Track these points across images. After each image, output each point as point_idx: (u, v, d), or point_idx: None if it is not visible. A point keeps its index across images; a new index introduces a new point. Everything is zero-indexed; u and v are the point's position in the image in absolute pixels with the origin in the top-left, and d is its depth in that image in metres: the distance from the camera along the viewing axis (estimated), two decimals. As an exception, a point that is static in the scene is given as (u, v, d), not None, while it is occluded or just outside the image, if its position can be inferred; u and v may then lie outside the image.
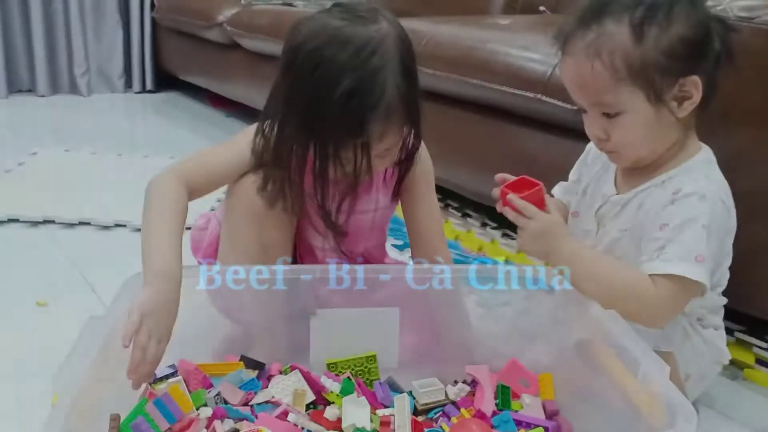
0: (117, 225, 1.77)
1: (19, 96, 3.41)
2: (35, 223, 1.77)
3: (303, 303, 1.04)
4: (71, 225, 1.77)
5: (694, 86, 0.93)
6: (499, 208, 1.03)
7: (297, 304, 1.04)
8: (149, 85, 3.68)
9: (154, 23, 3.57)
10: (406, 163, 1.08)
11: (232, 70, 2.89)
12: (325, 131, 0.94)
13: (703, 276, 0.92)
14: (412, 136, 1.04)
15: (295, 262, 1.15)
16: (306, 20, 0.97)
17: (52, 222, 1.77)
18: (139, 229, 1.55)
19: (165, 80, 3.67)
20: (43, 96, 3.40)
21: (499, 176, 1.05)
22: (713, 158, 1.01)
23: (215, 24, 2.86)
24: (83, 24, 3.48)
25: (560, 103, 1.48)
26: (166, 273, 0.90)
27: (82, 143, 2.60)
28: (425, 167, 1.13)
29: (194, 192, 1.02)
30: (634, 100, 0.93)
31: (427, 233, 1.15)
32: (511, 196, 1.00)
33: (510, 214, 1.01)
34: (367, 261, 1.18)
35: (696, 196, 0.94)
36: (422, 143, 1.11)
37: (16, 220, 1.77)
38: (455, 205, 2.03)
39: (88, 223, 1.78)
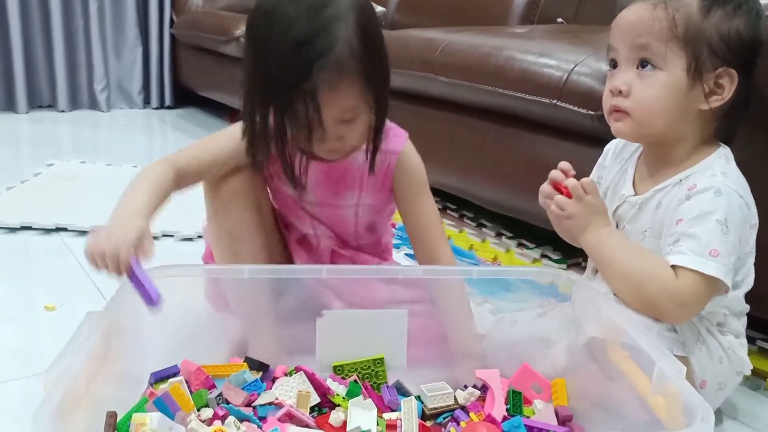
0: (129, 233, 1.76)
1: (40, 111, 3.45)
2: (47, 231, 1.77)
3: (308, 303, 1.02)
4: (83, 233, 1.77)
5: (729, 80, 0.95)
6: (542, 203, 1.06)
7: (301, 304, 1.03)
8: (168, 101, 3.71)
9: (173, 39, 3.61)
10: (374, 142, 1.05)
11: (249, 84, 2.90)
12: (276, 82, 0.94)
13: (717, 271, 0.90)
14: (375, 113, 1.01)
15: (285, 254, 1.17)
16: None
17: (65, 229, 1.77)
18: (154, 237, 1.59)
19: (184, 96, 3.69)
20: (63, 111, 3.44)
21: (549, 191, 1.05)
22: (730, 155, 1.00)
23: (233, 38, 2.88)
24: (103, 40, 3.52)
25: (576, 109, 1.46)
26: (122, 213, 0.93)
27: (99, 156, 2.62)
28: (414, 173, 1.12)
29: (183, 178, 1.03)
30: (675, 62, 0.94)
31: (424, 235, 1.14)
32: (569, 180, 1.01)
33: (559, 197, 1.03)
34: (353, 260, 1.17)
35: (711, 191, 0.93)
36: (412, 147, 1.12)
37: (29, 228, 1.77)
38: (470, 215, 2.01)
39: (101, 231, 1.77)
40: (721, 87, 0.95)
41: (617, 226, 1.06)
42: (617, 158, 1.12)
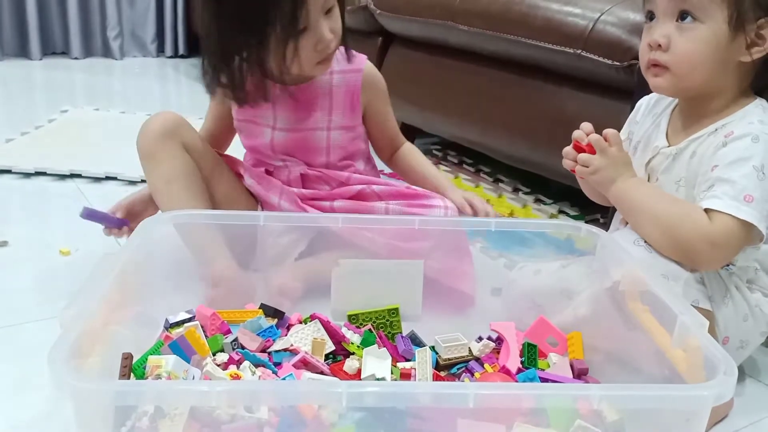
0: (143, 180, 1.74)
1: (53, 58, 3.42)
2: (62, 176, 1.76)
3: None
4: (98, 179, 1.76)
5: None
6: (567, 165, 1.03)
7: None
8: (181, 50, 3.67)
9: (187, -14, 3.55)
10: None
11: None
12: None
13: (750, 216, 0.89)
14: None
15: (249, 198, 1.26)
16: None
17: (79, 176, 1.76)
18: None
19: (197, 45, 3.63)
20: (76, 58, 3.41)
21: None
22: (767, 105, 0.97)
23: (248, -15, 2.82)
24: (116, -14, 3.47)
25: (601, 59, 1.42)
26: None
27: (112, 104, 2.60)
28: (379, 84, 1.26)
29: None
30: (717, 14, 0.92)
31: (387, 132, 1.29)
32: (591, 135, 0.99)
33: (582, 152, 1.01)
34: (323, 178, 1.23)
35: (749, 138, 0.91)
36: (372, 66, 1.25)
37: (44, 173, 1.76)
38: (487, 169, 1.98)
39: (115, 178, 1.76)
40: (763, 38, 0.92)
41: (649, 178, 1.04)
42: (650, 113, 1.09)
